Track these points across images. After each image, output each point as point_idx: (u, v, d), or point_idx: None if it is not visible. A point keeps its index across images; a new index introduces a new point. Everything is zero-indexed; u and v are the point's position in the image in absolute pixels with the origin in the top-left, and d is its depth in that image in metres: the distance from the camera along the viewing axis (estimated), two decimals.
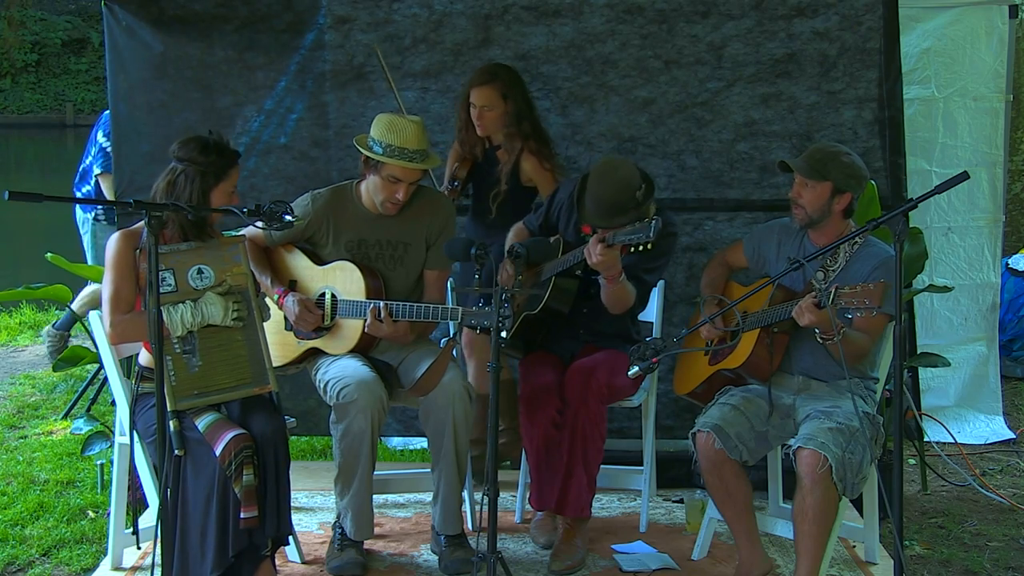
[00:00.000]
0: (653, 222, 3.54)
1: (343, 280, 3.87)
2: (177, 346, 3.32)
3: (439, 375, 3.76)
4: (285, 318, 3.92)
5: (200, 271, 3.37)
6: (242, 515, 3.23)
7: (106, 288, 3.41)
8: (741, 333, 3.67)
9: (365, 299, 3.79)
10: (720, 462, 3.57)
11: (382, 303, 3.73)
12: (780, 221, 3.93)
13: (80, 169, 6.49)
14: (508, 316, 3.27)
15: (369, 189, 3.89)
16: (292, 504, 3.66)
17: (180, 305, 3.30)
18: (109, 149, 5.66)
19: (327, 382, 3.78)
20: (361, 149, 3.81)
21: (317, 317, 3.86)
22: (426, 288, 4.02)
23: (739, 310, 3.67)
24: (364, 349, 3.87)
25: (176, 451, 3.23)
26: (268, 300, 3.90)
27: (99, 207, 6.39)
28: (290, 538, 3.65)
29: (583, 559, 3.90)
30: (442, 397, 3.75)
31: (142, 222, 3.03)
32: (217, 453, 3.23)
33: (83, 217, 6.53)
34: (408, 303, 3.75)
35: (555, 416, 3.92)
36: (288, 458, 3.40)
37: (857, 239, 3.66)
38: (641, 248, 3.60)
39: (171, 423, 3.21)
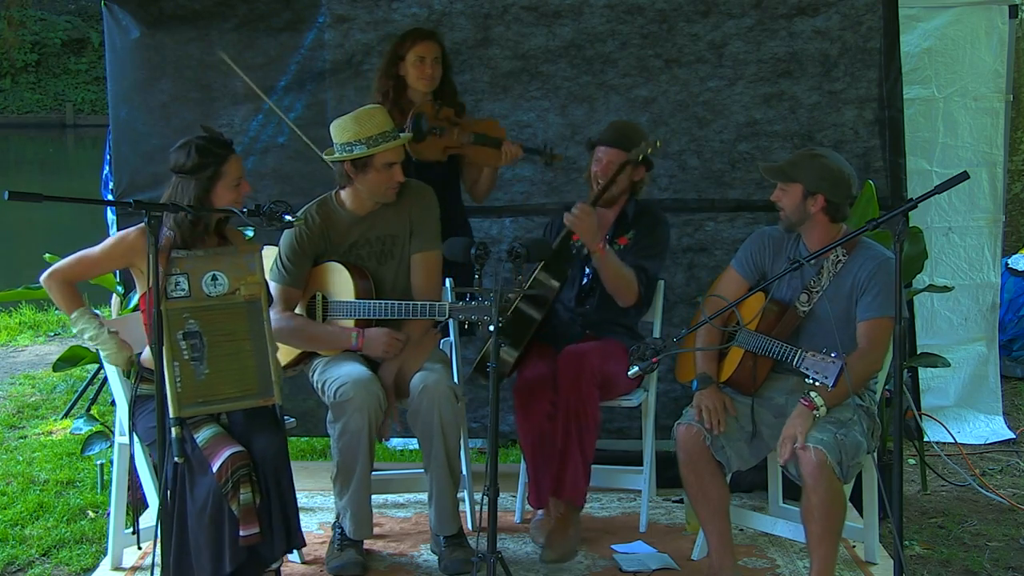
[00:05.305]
0: None
1: (333, 282, 3.89)
2: (186, 352, 3.26)
3: (422, 356, 3.81)
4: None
5: (215, 277, 3.32)
6: (241, 533, 3.20)
7: (84, 251, 3.44)
8: (733, 345, 3.66)
9: (355, 299, 3.81)
10: (698, 457, 3.54)
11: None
12: (763, 231, 3.86)
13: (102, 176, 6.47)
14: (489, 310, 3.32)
15: (362, 192, 3.87)
16: None
17: (94, 327, 3.39)
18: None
19: (324, 382, 3.78)
20: (345, 158, 3.78)
21: (402, 340, 3.82)
22: (412, 275, 3.96)
23: (738, 310, 3.66)
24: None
25: (176, 458, 3.21)
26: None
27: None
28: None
29: (575, 548, 3.89)
30: (427, 400, 3.74)
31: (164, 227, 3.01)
32: (214, 470, 3.20)
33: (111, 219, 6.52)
34: (395, 302, 3.77)
35: (549, 408, 3.92)
36: (291, 474, 3.35)
37: (842, 257, 3.59)
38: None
39: (173, 430, 3.18)
